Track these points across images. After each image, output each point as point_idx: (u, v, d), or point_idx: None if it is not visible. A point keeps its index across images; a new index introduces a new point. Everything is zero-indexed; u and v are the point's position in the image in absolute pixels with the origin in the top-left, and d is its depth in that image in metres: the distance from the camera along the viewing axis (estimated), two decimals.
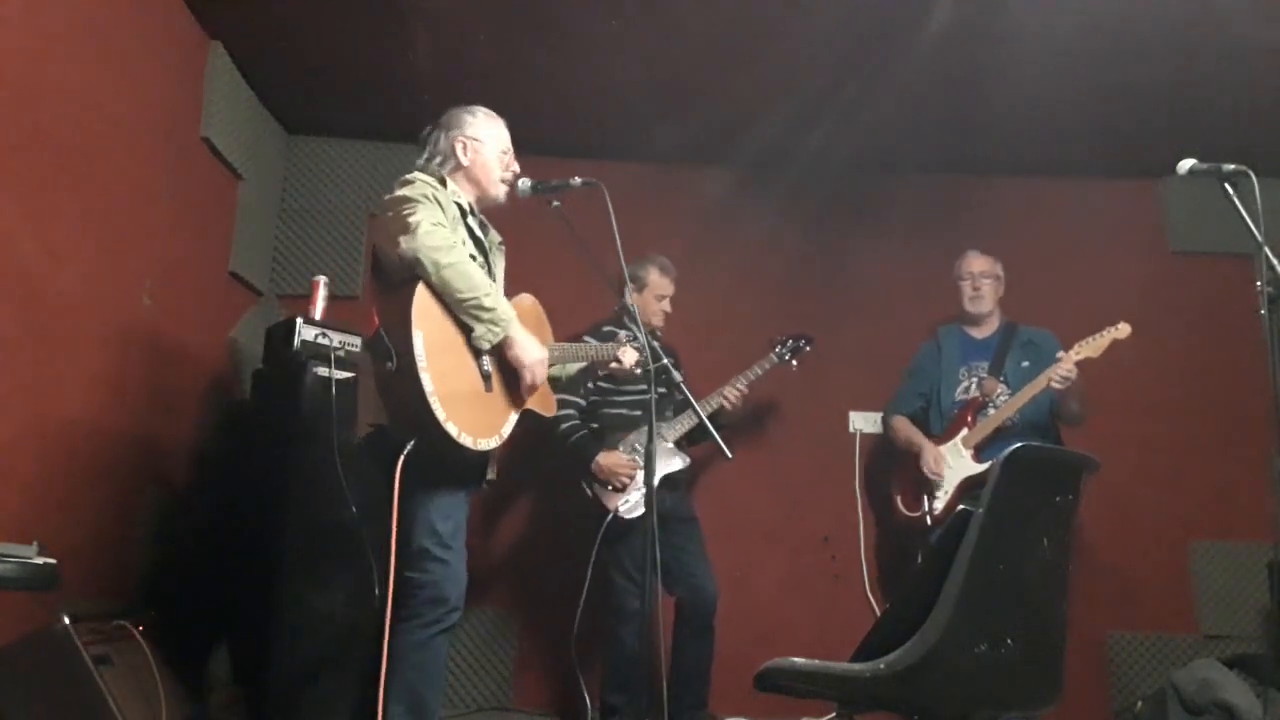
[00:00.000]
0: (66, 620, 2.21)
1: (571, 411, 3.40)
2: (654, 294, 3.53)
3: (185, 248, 3.36)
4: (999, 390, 3.39)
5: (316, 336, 3.12)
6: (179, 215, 3.28)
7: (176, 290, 3.27)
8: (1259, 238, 2.13)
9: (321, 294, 3.40)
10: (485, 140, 2.48)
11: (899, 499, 3.53)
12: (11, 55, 2.37)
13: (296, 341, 3.08)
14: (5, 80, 2.35)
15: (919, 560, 3.49)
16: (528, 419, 2.46)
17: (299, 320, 3.13)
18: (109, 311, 2.88)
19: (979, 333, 3.57)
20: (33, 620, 2.26)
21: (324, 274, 3.54)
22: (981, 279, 3.54)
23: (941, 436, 3.44)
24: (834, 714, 3.23)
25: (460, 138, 2.46)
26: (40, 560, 1.95)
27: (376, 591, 2.24)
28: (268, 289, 4.05)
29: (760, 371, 3.56)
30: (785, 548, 3.98)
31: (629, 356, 2.63)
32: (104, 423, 2.85)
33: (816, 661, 1.83)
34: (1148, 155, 3.74)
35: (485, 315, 2.22)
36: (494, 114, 2.54)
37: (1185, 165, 2.29)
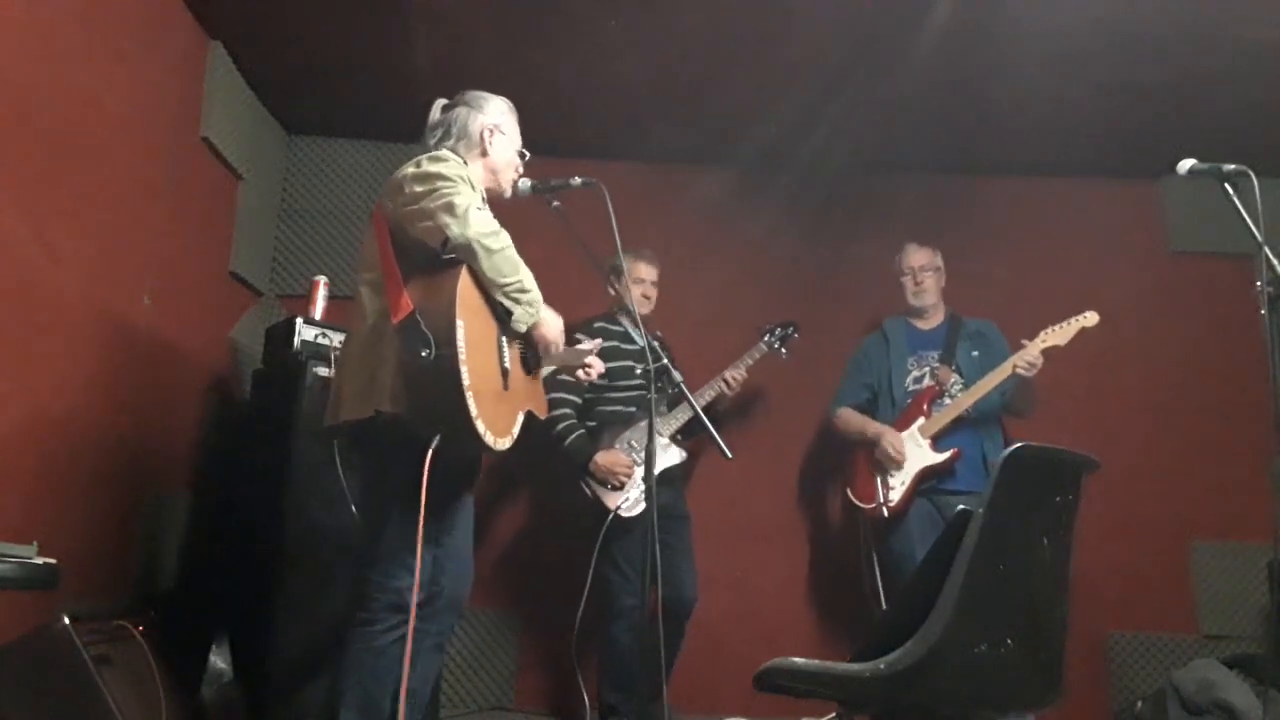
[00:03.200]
0: (66, 620, 2.20)
1: (568, 410, 3.39)
2: (631, 279, 3.49)
3: (185, 248, 3.36)
4: (953, 379, 3.37)
5: (316, 336, 3.12)
6: (179, 215, 3.28)
7: (176, 290, 3.27)
8: (1259, 238, 2.13)
9: (321, 294, 3.41)
10: (509, 134, 2.43)
11: (850, 490, 3.45)
12: (11, 55, 2.37)
13: (296, 341, 3.09)
14: (5, 80, 2.35)
15: (873, 554, 3.43)
16: (528, 421, 2.45)
17: (299, 320, 3.13)
18: (109, 311, 2.88)
19: (924, 324, 3.55)
20: (33, 620, 2.26)
21: (324, 274, 3.55)
22: (922, 273, 3.52)
23: (894, 426, 3.37)
24: (834, 714, 3.23)
25: (487, 125, 2.39)
26: (40, 560, 1.94)
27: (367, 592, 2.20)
28: (268, 289, 4.05)
29: (751, 360, 3.55)
30: (785, 548, 3.98)
31: (597, 367, 2.61)
32: (104, 423, 2.84)
33: (816, 661, 1.83)
34: (1148, 155, 3.75)
35: (525, 298, 2.20)
36: (513, 107, 2.49)
37: (1185, 165, 2.28)
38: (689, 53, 3.49)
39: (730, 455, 2.49)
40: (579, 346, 2.65)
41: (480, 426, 2.04)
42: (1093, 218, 4.23)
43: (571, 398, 3.40)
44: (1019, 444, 1.76)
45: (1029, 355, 3.16)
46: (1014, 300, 3.75)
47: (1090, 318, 3.18)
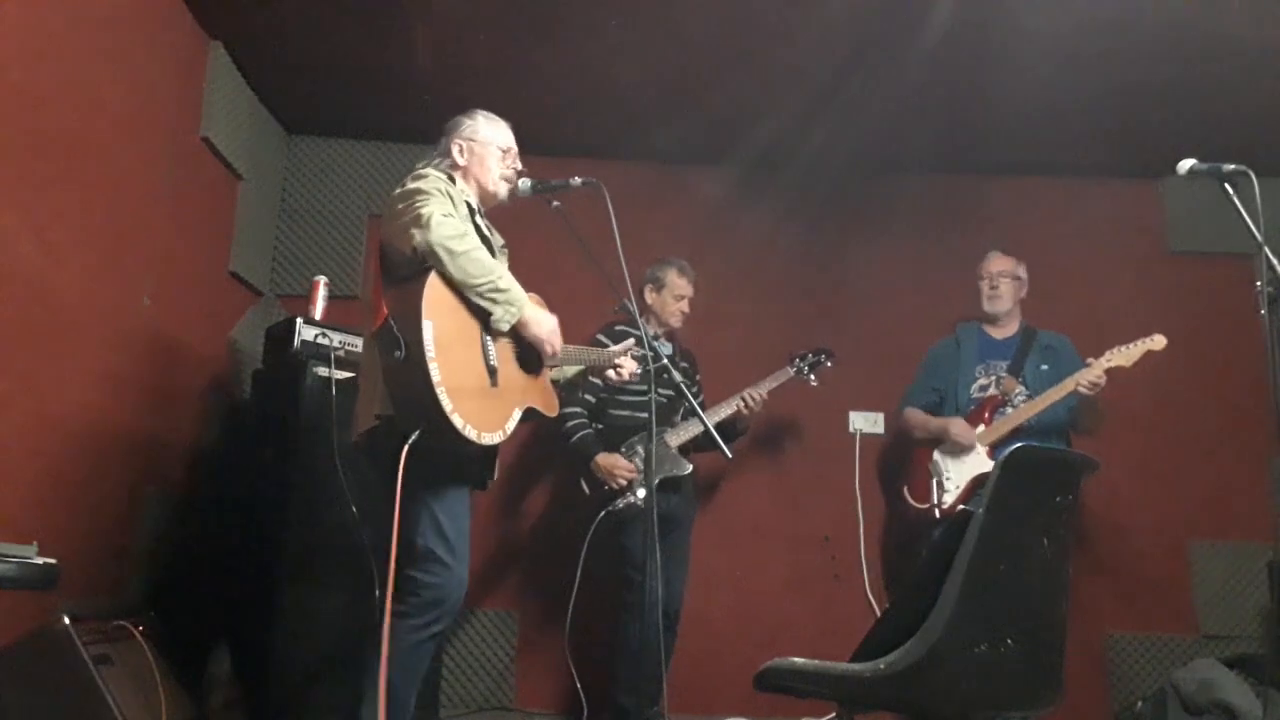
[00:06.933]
0: (66, 620, 2.21)
1: (579, 409, 3.40)
2: (672, 294, 3.55)
3: (185, 248, 3.36)
4: (1017, 390, 3.38)
5: (316, 336, 3.12)
6: (179, 215, 3.28)
7: (176, 290, 3.27)
8: (1259, 238, 2.13)
9: (321, 294, 3.41)
10: (481, 140, 2.52)
11: (908, 490, 3.51)
12: (11, 55, 2.37)
13: (296, 341, 3.09)
14: (5, 80, 2.35)
15: (923, 553, 3.48)
16: (531, 418, 2.46)
17: (299, 320, 3.13)
18: (109, 311, 2.88)
19: (998, 333, 3.56)
20: (33, 620, 2.26)
21: (324, 274, 3.55)
22: (1000, 278, 3.52)
23: None
24: (834, 714, 3.23)
25: (457, 139, 2.51)
26: (40, 560, 1.95)
27: (377, 591, 2.23)
28: (268, 289, 4.05)
29: (777, 383, 3.51)
30: (785, 548, 3.98)
31: (628, 367, 2.68)
32: (104, 423, 2.85)
33: (816, 661, 1.83)
34: (1148, 155, 3.75)
35: (501, 297, 2.25)
36: (494, 116, 2.58)
37: (1185, 165, 2.28)
38: (689, 53, 3.49)
39: (730, 455, 2.50)
40: (615, 346, 2.73)
41: (458, 421, 2.11)
42: (1093, 218, 4.23)
43: (585, 396, 3.41)
44: (1018, 444, 1.77)
45: (1092, 375, 3.15)
46: None
47: (1158, 341, 3.17)
